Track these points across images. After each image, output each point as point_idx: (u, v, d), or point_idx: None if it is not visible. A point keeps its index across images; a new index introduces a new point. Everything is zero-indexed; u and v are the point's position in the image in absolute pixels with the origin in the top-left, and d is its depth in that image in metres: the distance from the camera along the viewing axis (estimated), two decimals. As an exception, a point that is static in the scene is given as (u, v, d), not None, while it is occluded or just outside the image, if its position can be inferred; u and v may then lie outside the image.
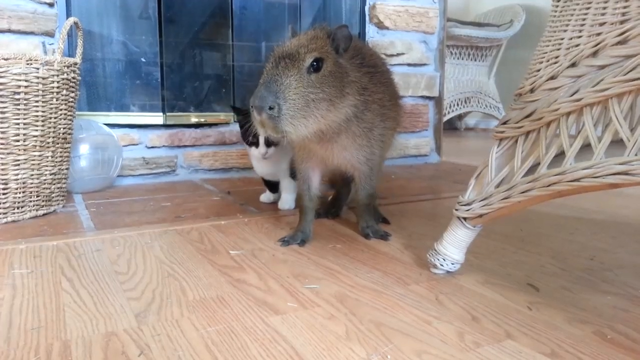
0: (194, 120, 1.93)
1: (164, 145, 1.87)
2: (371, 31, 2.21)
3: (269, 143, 1.30)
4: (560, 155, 0.71)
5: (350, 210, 1.37)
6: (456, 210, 0.86)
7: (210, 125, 1.95)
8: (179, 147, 1.89)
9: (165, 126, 1.88)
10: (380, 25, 2.20)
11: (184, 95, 1.97)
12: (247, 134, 1.27)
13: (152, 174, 1.86)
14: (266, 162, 1.36)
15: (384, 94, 1.10)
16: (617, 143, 0.64)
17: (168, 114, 1.90)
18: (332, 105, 0.94)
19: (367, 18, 2.20)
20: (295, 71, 0.91)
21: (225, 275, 0.90)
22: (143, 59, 1.90)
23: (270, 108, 0.89)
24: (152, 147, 1.85)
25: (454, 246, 0.87)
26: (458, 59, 3.81)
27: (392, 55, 2.23)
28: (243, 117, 1.31)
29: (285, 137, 0.92)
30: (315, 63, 0.92)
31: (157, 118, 1.88)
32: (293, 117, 0.90)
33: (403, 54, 2.26)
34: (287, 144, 1.25)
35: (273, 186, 1.47)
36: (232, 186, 1.77)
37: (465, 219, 0.85)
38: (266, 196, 1.51)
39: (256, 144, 1.31)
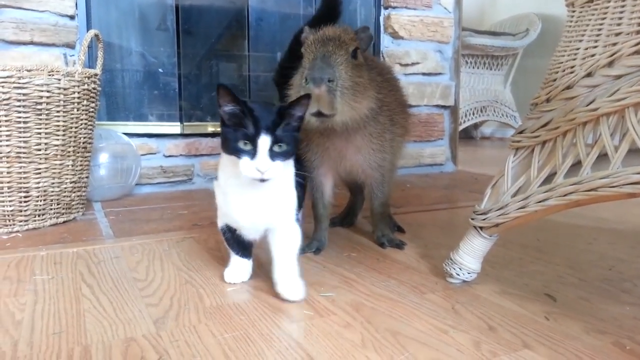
0: (210, 129, 1.95)
1: (181, 154, 1.89)
2: (386, 41, 2.22)
3: (274, 154, 0.76)
4: (577, 164, 0.71)
5: (365, 219, 1.37)
6: (472, 219, 0.86)
7: (226, 134, 1.97)
8: (195, 156, 1.92)
9: (183, 135, 1.90)
10: (395, 35, 2.21)
11: (201, 105, 2.00)
12: (238, 135, 0.75)
13: (170, 183, 1.88)
14: (257, 195, 0.81)
15: (393, 100, 1.11)
16: (635, 152, 0.64)
17: (185, 123, 1.92)
18: (367, 92, 0.96)
19: (382, 28, 2.22)
20: (343, 52, 0.94)
21: (242, 282, 0.91)
22: (161, 70, 1.93)
23: (330, 80, 0.89)
24: (170, 156, 1.88)
25: (470, 255, 0.87)
26: (474, 68, 3.80)
27: (406, 65, 2.24)
28: (234, 106, 0.76)
29: (334, 115, 0.91)
30: (354, 51, 0.95)
31: (175, 127, 1.90)
32: (345, 95, 0.92)
33: (418, 63, 2.27)
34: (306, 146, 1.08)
35: (247, 248, 0.90)
36: (248, 195, 1.78)
37: (481, 228, 0.85)
38: (235, 270, 0.91)
39: (251, 153, 0.75)
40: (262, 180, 0.76)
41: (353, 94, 0.93)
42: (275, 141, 0.75)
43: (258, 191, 0.81)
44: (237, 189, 0.82)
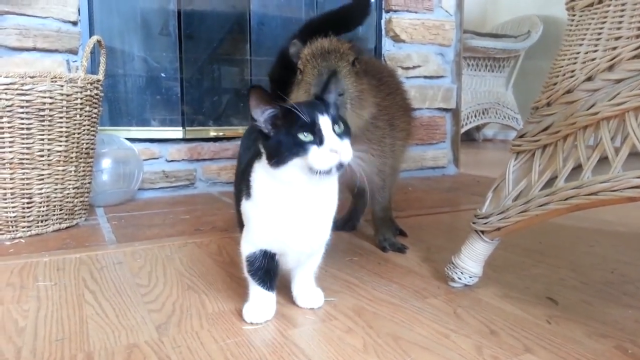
0: (212, 134, 1.96)
1: (183, 159, 1.89)
2: (387, 44, 2.22)
3: (338, 135, 0.68)
4: (578, 168, 0.71)
5: (367, 222, 1.37)
6: (474, 223, 0.86)
7: (228, 138, 1.97)
8: (197, 160, 1.92)
9: (185, 140, 1.91)
10: (396, 39, 2.22)
11: (203, 109, 2.01)
12: (293, 130, 0.67)
13: (172, 187, 1.88)
14: (314, 208, 0.73)
15: (392, 104, 1.11)
16: (635, 156, 0.64)
17: (187, 128, 1.93)
18: (369, 99, 0.97)
19: (383, 32, 2.22)
20: (345, 63, 0.94)
21: (244, 287, 0.90)
22: (163, 75, 1.94)
23: (340, 94, 0.89)
24: (172, 161, 1.88)
25: (472, 259, 0.87)
26: (475, 70, 3.80)
27: (408, 68, 2.24)
28: (274, 108, 0.68)
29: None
30: (353, 61, 0.95)
31: (177, 132, 1.91)
32: (354, 105, 0.92)
33: (419, 66, 2.27)
34: None
35: (275, 278, 0.78)
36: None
37: (483, 232, 0.85)
38: (258, 306, 0.77)
39: (316, 141, 0.66)
40: (339, 168, 0.66)
41: (359, 102, 0.93)
42: (334, 122, 0.68)
43: (316, 202, 0.72)
44: (288, 204, 0.71)
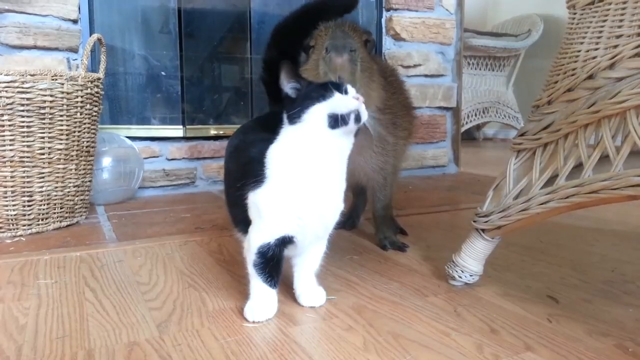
0: (213, 132, 1.96)
1: (183, 158, 1.89)
2: (388, 43, 2.22)
3: None
4: (579, 166, 0.71)
5: (367, 221, 1.37)
6: (474, 222, 0.86)
7: (229, 137, 1.97)
8: (198, 159, 1.92)
9: (185, 138, 1.91)
10: (396, 37, 2.21)
11: (204, 108, 2.00)
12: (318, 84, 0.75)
13: (172, 186, 1.88)
14: (337, 167, 0.77)
15: (396, 103, 1.11)
16: (636, 154, 0.64)
17: (188, 126, 1.93)
18: (378, 87, 0.96)
19: (383, 30, 2.22)
20: (357, 38, 0.93)
21: (245, 286, 0.90)
22: (163, 73, 1.94)
23: (352, 50, 0.88)
24: (173, 159, 1.88)
25: (472, 258, 0.87)
26: (476, 69, 3.80)
27: (408, 67, 2.24)
28: (296, 83, 0.76)
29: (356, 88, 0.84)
30: (365, 42, 0.95)
31: (177, 131, 1.91)
32: (364, 73, 0.90)
33: (420, 65, 2.27)
34: None
35: (280, 273, 0.78)
36: (250, 197, 1.79)
37: (483, 230, 0.85)
38: (261, 304, 0.77)
39: (342, 90, 0.74)
40: (357, 120, 0.71)
41: (369, 77, 0.92)
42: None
43: (332, 168, 0.75)
44: (308, 174, 0.73)
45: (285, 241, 0.75)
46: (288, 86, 0.75)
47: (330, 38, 0.89)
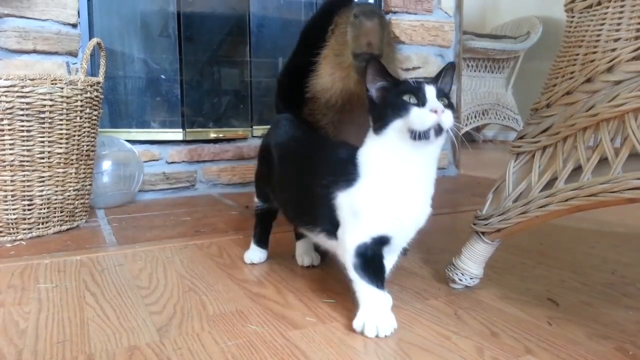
0: (212, 135, 1.96)
1: (183, 161, 1.90)
2: (387, 46, 2.22)
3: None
4: (578, 169, 0.71)
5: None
6: (474, 224, 0.86)
7: (228, 140, 1.97)
8: (198, 162, 1.92)
9: (185, 142, 1.91)
10: (395, 40, 2.22)
11: (203, 111, 2.01)
12: (399, 90, 0.72)
13: (172, 189, 1.89)
14: (426, 173, 0.76)
15: None
16: (635, 157, 0.64)
17: (188, 130, 1.93)
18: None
19: (383, 33, 2.22)
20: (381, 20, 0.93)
21: (245, 289, 0.91)
22: (163, 77, 1.94)
23: (380, 17, 0.87)
24: (172, 163, 1.88)
25: (472, 261, 0.87)
26: (475, 71, 3.81)
27: (408, 70, 2.24)
28: (386, 81, 0.75)
29: (380, 57, 0.83)
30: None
31: (177, 134, 1.91)
32: (390, 45, 0.91)
33: (419, 67, 2.27)
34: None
35: (385, 271, 0.77)
36: (249, 200, 1.78)
37: (483, 233, 0.85)
38: (382, 315, 0.73)
39: (419, 104, 0.70)
40: (438, 132, 0.68)
41: (393, 52, 0.91)
42: (439, 93, 0.70)
43: (421, 174, 0.74)
44: (401, 176, 0.72)
45: (383, 241, 0.73)
46: (375, 86, 0.74)
47: (359, 6, 0.89)
